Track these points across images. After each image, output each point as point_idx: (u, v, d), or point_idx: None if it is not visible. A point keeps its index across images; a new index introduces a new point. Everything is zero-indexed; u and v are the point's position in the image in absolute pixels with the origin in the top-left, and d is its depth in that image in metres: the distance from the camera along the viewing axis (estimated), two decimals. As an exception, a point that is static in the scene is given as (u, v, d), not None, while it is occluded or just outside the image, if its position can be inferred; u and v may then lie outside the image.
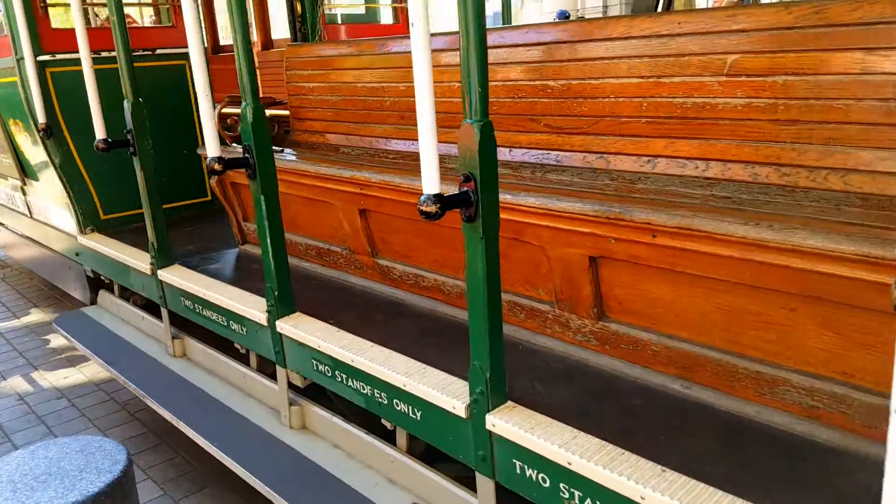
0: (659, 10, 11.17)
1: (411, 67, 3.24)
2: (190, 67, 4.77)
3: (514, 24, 5.46)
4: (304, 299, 2.89)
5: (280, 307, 2.76)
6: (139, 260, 3.76)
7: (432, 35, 2.95)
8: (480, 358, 1.92)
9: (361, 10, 6.26)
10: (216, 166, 2.54)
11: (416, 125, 3.28)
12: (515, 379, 2.16)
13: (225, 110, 3.98)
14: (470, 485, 2.25)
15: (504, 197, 2.12)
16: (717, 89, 2.17)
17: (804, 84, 1.99)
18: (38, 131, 4.21)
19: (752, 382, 1.89)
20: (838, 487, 1.60)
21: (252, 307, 2.91)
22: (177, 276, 3.46)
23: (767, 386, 1.86)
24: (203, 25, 4.80)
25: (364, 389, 2.46)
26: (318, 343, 2.58)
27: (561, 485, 1.77)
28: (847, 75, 1.91)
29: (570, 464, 1.74)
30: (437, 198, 1.74)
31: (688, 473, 1.63)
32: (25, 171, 5.05)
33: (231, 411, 3.13)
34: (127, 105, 3.37)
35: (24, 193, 5.28)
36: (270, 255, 2.69)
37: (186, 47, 4.78)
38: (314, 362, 2.67)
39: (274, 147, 2.84)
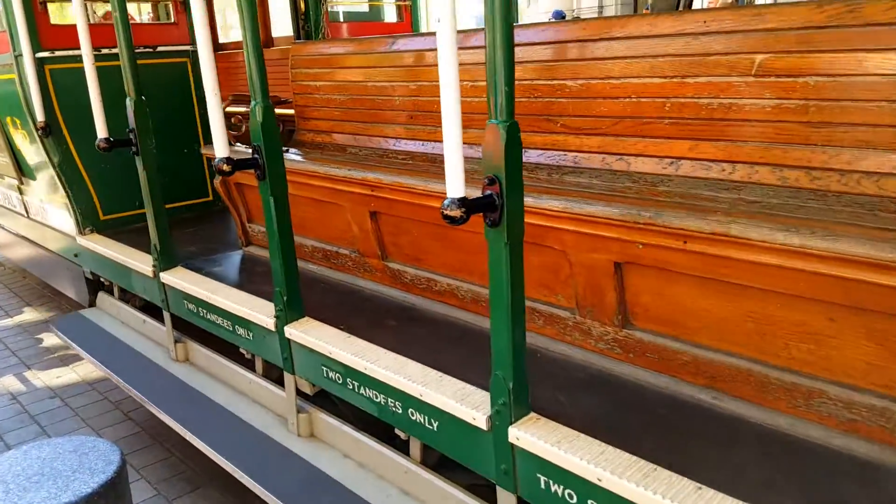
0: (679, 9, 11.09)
1: (422, 66, 3.23)
2: (192, 65, 4.70)
3: (521, 23, 5.39)
4: (312, 303, 2.82)
5: (289, 312, 2.69)
6: (141, 262, 3.67)
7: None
8: (503, 368, 1.85)
9: (364, 8, 6.17)
10: (225, 167, 2.46)
11: (426, 125, 3.26)
12: (536, 388, 2.09)
13: (229, 109, 3.90)
14: (481, 493, 2.19)
15: (525, 200, 2.04)
16: (745, 90, 2.11)
17: (836, 85, 1.93)
18: (37, 130, 4.12)
19: (786, 394, 1.83)
20: (881, 505, 1.54)
21: (259, 312, 2.83)
22: (180, 279, 3.38)
23: (802, 398, 1.80)
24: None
25: (377, 398, 2.38)
26: (328, 349, 2.50)
27: (590, 501, 1.70)
28: (882, 76, 1.85)
29: (600, 480, 1.67)
30: (462, 202, 1.67)
31: (724, 490, 1.57)
32: (23, 170, 4.96)
33: (236, 418, 3.05)
34: (129, 103, 3.28)
35: (22, 193, 5.18)
36: (279, 258, 2.61)
37: (188, 44, 4.76)
38: (324, 369, 2.59)
39: None
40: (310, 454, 2.71)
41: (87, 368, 4.70)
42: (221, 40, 6.28)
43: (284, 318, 2.69)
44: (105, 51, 4.13)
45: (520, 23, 4.65)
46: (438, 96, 3.11)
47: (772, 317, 1.80)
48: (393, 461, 2.45)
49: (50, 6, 4.30)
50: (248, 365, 3.26)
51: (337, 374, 2.54)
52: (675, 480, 1.61)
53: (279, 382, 3.05)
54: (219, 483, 3.33)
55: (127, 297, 4.28)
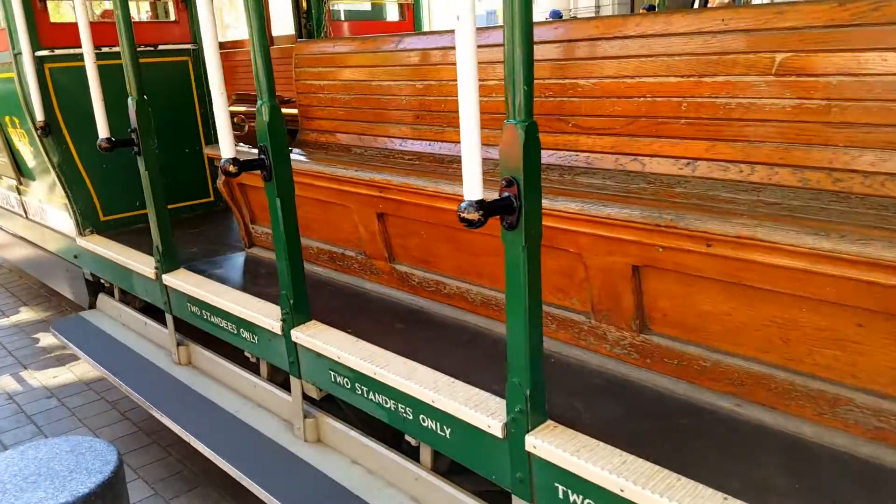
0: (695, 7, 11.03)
1: (430, 65, 3.18)
2: (193, 64, 4.64)
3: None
4: (318, 306, 2.77)
5: (295, 315, 2.64)
6: (143, 263, 3.62)
7: (448, 31, 2.82)
8: (520, 375, 1.80)
9: (366, 7, 6.12)
10: (231, 168, 2.40)
11: (433, 125, 3.21)
12: (551, 394, 2.03)
13: (231, 108, 3.84)
14: (492, 498, 2.14)
15: (541, 202, 2.00)
16: (765, 89, 2.06)
17: (860, 85, 1.88)
18: (36, 129, 4.06)
19: (811, 401, 1.78)
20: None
21: (265, 315, 2.78)
22: (183, 281, 3.32)
23: (828, 405, 1.75)
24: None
25: (387, 404, 2.33)
26: (337, 354, 2.45)
27: (611, 512, 1.66)
28: (908, 75, 1.80)
29: (622, 491, 1.62)
30: (480, 204, 1.62)
31: (751, 501, 1.52)
32: (21, 170, 4.89)
33: (241, 423, 2.99)
34: (131, 103, 3.22)
35: (20, 193, 5.12)
36: (286, 260, 2.56)
37: (189, 43, 4.70)
38: (332, 374, 2.54)
39: None
40: (317, 460, 2.66)
41: (84, 368, 4.68)
42: (219, 39, 6.23)
43: (291, 321, 2.64)
44: (105, 49, 4.07)
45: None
46: (446, 96, 3.12)
47: (796, 322, 1.75)
48: (403, 468, 2.41)
49: (49, 4, 4.23)
50: (252, 368, 3.21)
51: (345, 379, 2.49)
52: (701, 491, 1.56)
53: (284, 386, 3.00)
54: (216, 482, 3.32)
55: (127, 298, 4.22)
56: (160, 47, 4.48)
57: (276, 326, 2.70)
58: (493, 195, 1.66)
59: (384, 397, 2.34)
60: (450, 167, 3.05)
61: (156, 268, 3.48)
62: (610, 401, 2.03)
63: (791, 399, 1.82)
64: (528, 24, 1.56)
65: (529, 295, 1.72)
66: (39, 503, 1.94)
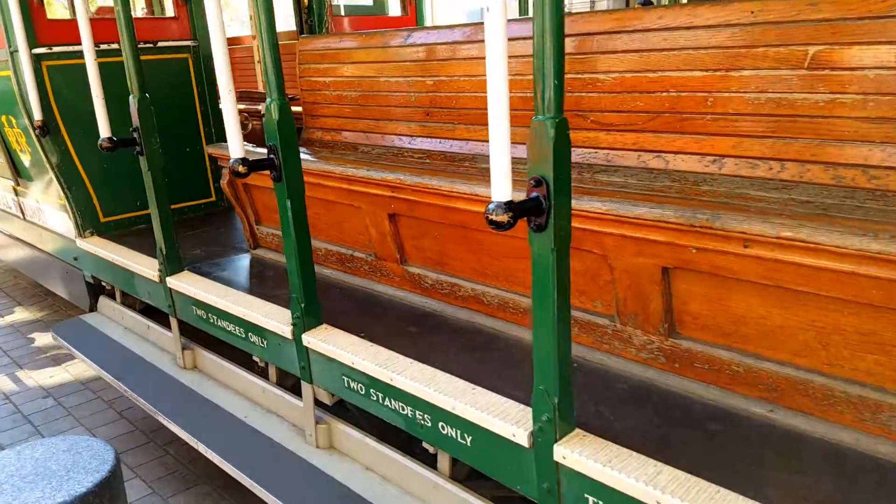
0: None
1: (440, 61, 3.09)
2: (193, 61, 4.55)
3: (529, 14, 5.26)
4: (328, 309, 2.69)
5: (307, 319, 2.56)
6: (145, 266, 3.53)
7: (462, 25, 2.73)
8: (547, 382, 1.73)
9: (368, 2, 6.03)
10: (240, 168, 2.32)
11: (443, 123, 3.13)
12: (576, 400, 1.97)
13: (234, 106, 3.75)
14: None
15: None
16: (796, 84, 1.99)
17: (898, 78, 1.81)
18: (34, 129, 3.96)
19: (851, 407, 1.72)
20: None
21: (275, 319, 2.70)
22: (188, 284, 3.24)
23: (869, 411, 1.69)
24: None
25: (404, 410, 2.26)
26: (351, 359, 2.38)
27: (647, 526, 1.59)
28: (948, 68, 1.74)
29: (658, 503, 1.55)
30: (510, 205, 1.54)
31: (796, 514, 1.46)
32: (19, 171, 4.80)
33: (250, 428, 2.92)
34: (133, 101, 3.13)
35: (17, 194, 5.02)
36: (297, 263, 2.48)
37: (188, 39, 4.61)
38: (345, 379, 2.47)
39: None
40: (330, 467, 2.59)
41: (80, 367, 4.64)
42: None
43: (302, 325, 2.57)
44: (104, 46, 3.98)
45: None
46: (457, 92, 3.04)
47: (838, 325, 1.68)
48: (420, 475, 2.33)
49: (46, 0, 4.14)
50: (258, 372, 3.14)
51: (360, 385, 2.41)
52: (742, 503, 1.50)
53: (293, 391, 2.93)
54: (214, 481, 3.29)
55: (129, 300, 4.14)
56: (160, 44, 4.38)
57: (286, 331, 2.63)
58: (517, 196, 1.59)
59: (401, 404, 2.26)
60: (461, 165, 2.97)
61: (159, 270, 3.39)
62: (637, 407, 1.96)
63: (829, 405, 1.75)
64: (559, 15, 1.48)
65: (558, 299, 1.65)
66: (37, 503, 1.93)
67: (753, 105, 2.07)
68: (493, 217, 1.54)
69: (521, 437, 1.84)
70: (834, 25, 1.90)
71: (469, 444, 2.06)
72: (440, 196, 2.46)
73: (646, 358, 2.11)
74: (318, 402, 2.69)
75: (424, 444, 2.31)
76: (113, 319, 4.19)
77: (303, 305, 2.54)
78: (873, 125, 1.86)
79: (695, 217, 1.73)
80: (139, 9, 7.67)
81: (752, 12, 2.04)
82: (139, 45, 3.14)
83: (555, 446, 1.75)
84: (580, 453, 1.70)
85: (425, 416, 2.18)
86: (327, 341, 2.50)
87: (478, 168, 2.86)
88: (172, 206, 3.44)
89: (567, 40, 2.47)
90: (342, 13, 5.93)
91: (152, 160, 3.20)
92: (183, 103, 4.52)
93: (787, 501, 1.53)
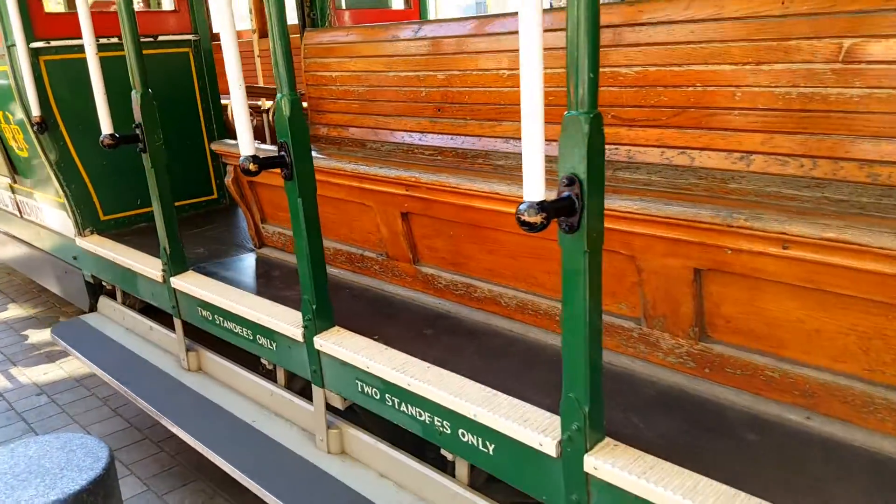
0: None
1: (453, 54, 3.01)
2: (194, 55, 4.45)
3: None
4: (339, 310, 2.60)
5: (318, 321, 2.48)
6: (148, 266, 3.45)
7: (474, 18, 2.64)
8: (577, 390, 1.66)
9: (370, -5, 5.93)
10: (251, 167, 2.24)
11: (455, 118, 3.05)
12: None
13: (226, 103, 3.67)
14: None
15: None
16: (830, 78, 1.92)
17: (939, 72, 1.74)
18: (32, 125, 3.87)
19: (893, 415, 1.65)
20: None
21: (285, 321, 2.62)
22: (192, 284, 3.16)
23: (914, 420, 1.62)
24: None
25: (421, 416, 2.19)
26: (365, 363, 2.31)
27: (686, 541, 1.52)
28: None
29: (699, 517, 1.48)
30: (542, 205, 1.47)
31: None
32: (16, 167, 4.70)
33: (259, 433, 2.84)
34: (135, 97, 3.04)
35: (14, 192, 4.93)
36: (308, 264, 2.40)
37: (189, 33, 4.51)
38: (359, 383, 2.40)
39: None
40: (343, 473, 2.52)
41: (74, 364, 4.58)
42: (216, 30, 6.02)
43: (313, 328, 2.49)
44: (102, 41, 3.88)
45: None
46: (470, 87, 2.96)
47: (881, 330, 1.62)
48: (437, 483, 2.26)
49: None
50: (266, 374, 3.06)
51: (374, 390, 2.34)
52: (787, 518, 1.43)
53: (302, 394, 2.85)
54: (209, 478, 3.25)
55: (129, 300, 4.05)
56: (161, 38, 4.28)
57: (297, 333, 2.55)
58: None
59: (418, 409, 2.19)
60: (475, 162, 2.90)
61: (163, 270, 3.31)
62: (667, 414, 1.89)
63: (870, 412, 1.69)
64: (595, 4, 1.41)
65: (590, 304, 1.58)
66: (30, 501, 1.92)
67: (784, 100, 2.00)
68: (526, 218, 1.47)
69: (549, 446, 1.77)
70: (870, 17, 1.83)
71: (491, 452, 1.99)
72: (457, 194, 2.39)
73: (674, 362, 2.04)
74: (329, 407, 2.62)
75: (443, 452, 2.24)
76: (113, 320, 4.11)
77: (314, 307, 2.46)
78: (912, 121, 1.79)
79: (732, 217, 1.66)
80: (136, 2, 7.55)
81: (784, 3, 1.97)
82: (141, 40, 3.05)
83: (585, 456, 1.68)
84: (613, 464, 1.63)
85: (444, 422, 2.11)
86: (340, 344, 2.42)
87: (492, 165, 2.79)
88: (175, 204, 3.35)
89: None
90: (343, 6, 5.84)
91: (156, 157, 3.11)
92: (184, 99, 4.42)
93: (832, 515, 1.47)
